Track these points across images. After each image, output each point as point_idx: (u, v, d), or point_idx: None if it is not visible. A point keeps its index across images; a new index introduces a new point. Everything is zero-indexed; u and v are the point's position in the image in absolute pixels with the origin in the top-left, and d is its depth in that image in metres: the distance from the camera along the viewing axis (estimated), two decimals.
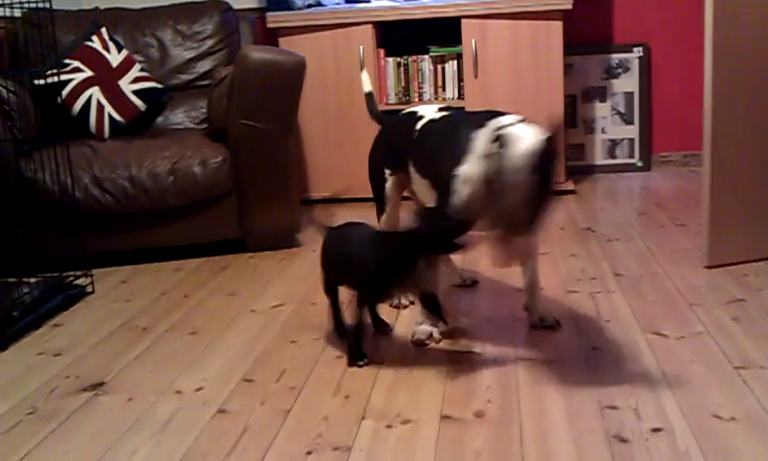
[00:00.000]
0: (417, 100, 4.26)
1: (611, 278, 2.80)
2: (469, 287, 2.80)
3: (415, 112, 2.51)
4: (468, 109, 2.41)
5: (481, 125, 2.13)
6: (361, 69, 2.96)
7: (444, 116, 2.40)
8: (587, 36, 4.61)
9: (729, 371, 2.02)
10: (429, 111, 2.47)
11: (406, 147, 2.46)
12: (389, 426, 1.86)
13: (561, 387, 2.00)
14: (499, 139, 1.93)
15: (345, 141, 4.23)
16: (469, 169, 2.11)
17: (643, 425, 1.78)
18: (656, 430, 1.76)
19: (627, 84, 4.60)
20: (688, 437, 1.72)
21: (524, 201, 1.89)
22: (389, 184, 2.58)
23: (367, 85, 2.82)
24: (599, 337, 2.29)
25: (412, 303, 2.65)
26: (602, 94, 4.62)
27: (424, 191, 2.39)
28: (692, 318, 2.38)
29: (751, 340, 2.19)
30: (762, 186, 2.79)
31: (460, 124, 2.24)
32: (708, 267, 2.80)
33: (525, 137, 1.91)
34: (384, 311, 2.61)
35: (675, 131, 4.66)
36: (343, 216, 4.02)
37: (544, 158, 1.89)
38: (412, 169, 2.43)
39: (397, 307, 2.63)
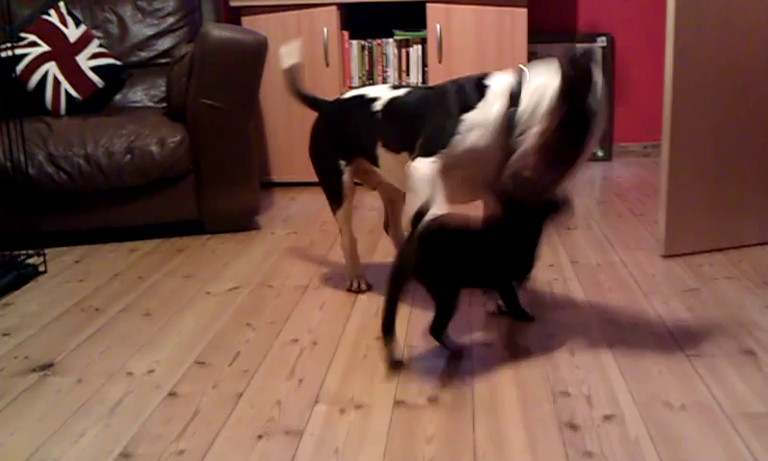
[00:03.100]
0: (381, 83, 4.22)
1: (568, 265, 2.81)
2: None
3: (363, 95, 2.42)
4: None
5: (474, 81, 2.17)
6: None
7: (408, 92, 2.33)
8: (551, 24, 4.62)
9: (681, 359, 2.04)
10: (383, 91, 2.39)
11: (367, 130, 2.38)
12: (342, 411, 1.84)
13: (514, 373, 2.00)
14: (574, 63, 1.96)
15: (307, 124, 4.14)
16: (481, 114, 2.11)
17: (595, 413, 1.79)
18: (607, 418, 1.76)
19: None
20: (639, 424, 1.73)
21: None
22: (345, 176, 2.49)
23: (288, 59, 2.63)
24: (554, 324, 2.30)
25: (369, 287, 2.63)
26: None
27: (397, 169, 2.31)
28: (647, 306, 2.40)
29: (704, 329, 2.21)
30: (719, 179, 2.82)
31: (446, 86, 2.22)
32: (665, 256, 2.83)
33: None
34: (339, 297, 2.60)
35: (636, 121, 4.69)
36: (303, 200, 4.00)
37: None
38: (382, 149, 2.35)
39: (357, 292, 2.62)
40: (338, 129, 2.49)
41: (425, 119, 2.21)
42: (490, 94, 2.13)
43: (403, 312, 2.40)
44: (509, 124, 2.08)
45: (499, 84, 2.13)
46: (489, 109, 2.11)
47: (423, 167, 2.13)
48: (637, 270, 2.73)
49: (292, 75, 2.64)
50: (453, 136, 2.12)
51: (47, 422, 1.85)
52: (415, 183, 2.14)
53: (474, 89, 2.16)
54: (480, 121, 2.11)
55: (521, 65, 2.16)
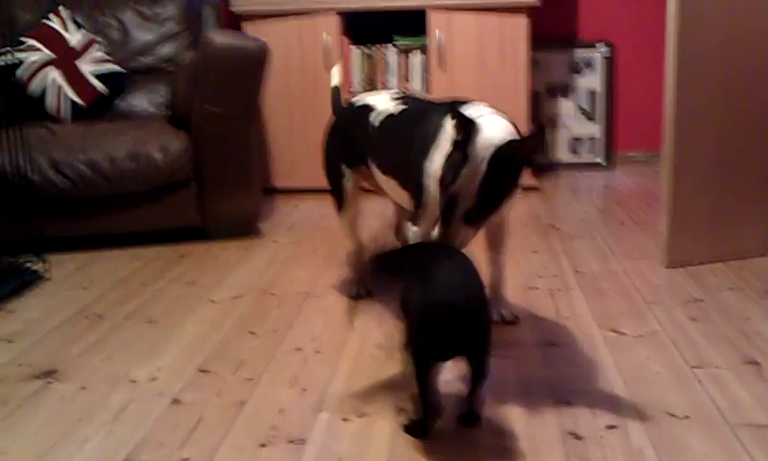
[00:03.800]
0: (382, 90, 4.23)
1: (570, 275, 2.81)
2: None
3: (367, 104, 2.43)
4: (430, 98, 2.35)
5: (440, 120, 2.08)
6: (335, 65, 2.86)
7: (402, 110, 2.31)
8: (552, 32, 4.62)
9: (684, 370, 2.04)
10: (383, 102, 2.39)
11: (364, 143, 2.39)
12: (345, 420, 1.84)
13: (517, 383, 2.00)
14: (463, 126, 1.87)
15: (309, 130, 4.20)
16: (437, 163, 2.05)
17: (598, 422, 1.79)
18: (610, 427, 1.76)
19: (591, 81, 4.63)
20: (642, 435, 1.73)
21: (478, 192, 1.85)
22: (348, 181, 2.51)
23: (335, 78, 2.73)
24: (557, 334, 2.30)
25: (370, 293, 2.63)
26: (566, 91, 4.64)
27: (393, 189, 2.33)
28: (650, 316, 2.40)
29: (707, 340, 2.21)
30: (721, 188, 2.82)
31: (424, 116, 2.17)
32: (668, 266, 2.83)
33: (493, 130, 1.88)
34: (342, 305, 2.60)
35: (638, 129, 4.70)
36: (306, 207, 4.00)
37: (509, 156, 1.86)
38: (374, 167, 2.37)
39: (359, 299, 2.62)
40: (344, 134, 2.50)
41: (405, 155, 2.19)
42: (442, 139, 2.03)
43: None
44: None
45: (449, 127, 2.01)
46: (438, 159, 2.04)
47: (415, 239, 2.18)
48: (640, 279, 2.73)
49: (337, 92, 2.70)
50: (425, 192, 2.09)
51: (51, 429, 1.85)
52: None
53: (436, 132, 2.07)
54: (434, 172, 2.05)
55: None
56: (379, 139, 2.33)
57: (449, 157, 1.91)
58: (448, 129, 2.02)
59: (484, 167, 1.84)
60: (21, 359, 2.26)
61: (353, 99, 2.54)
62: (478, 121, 1.90)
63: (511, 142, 1.88)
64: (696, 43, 2.68)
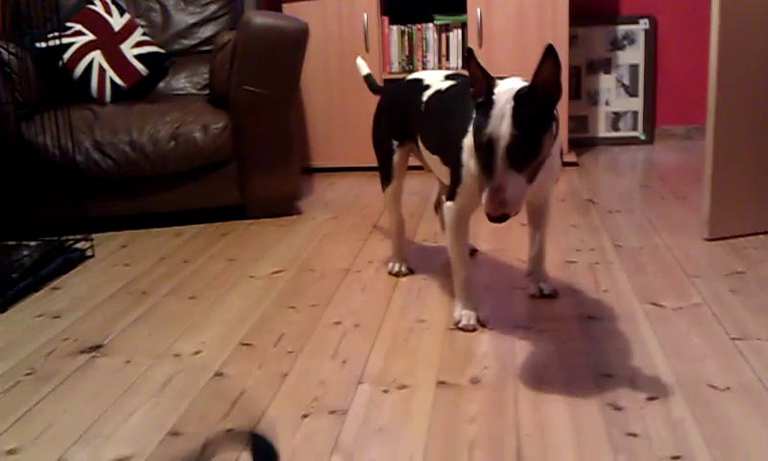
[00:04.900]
0: (420, 69, 4.23)
1: (610, 249, 2.79)
2: (470, 256, 2.79)
3: (420, 80, 2.42)
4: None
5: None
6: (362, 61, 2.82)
7: (451, 86, 2.31)
8: (593, 6, 4.57)
9: (725, 342, 2.02)
10: (435, 79, 2.38)
11: (413, 118, 2.39)
12: (385, 391, 1.86)
13: (557, 355, 2.00)
14: (484, 77, 1.85)
15: (347, 110, 4.22)
16: (471, 139, 2.01)
17: (638, 394, 1.78)
18: (651, 399, 1.76)
19: (632, 56, 4.57)
20: (683, 406, 1.72)
21: (512, 127, 1.79)
22: (396, 156, 2.50)
23: (364, 69, 2.73)
24: (597, 307, 2.29)
25: (411, 270, 2.65)
26: (607, 66, 4.59)
27: (436, 165, 2.32)
28: (691, 289, 2.38)
29: (749, 312, 2.19)
30: (764, 161, 2.78)
31: (465, 93, 2.17)
32: (709, 240, 2.80)
33: (514, 81, 1.87)
34: (381, 280, 2.62)
35: (679, 104, 4.64)
36: (343, 186, 4.02)
37: (523, 111, 1.82)
38: (421, 143, 2.37)
39: (397, 275, 2.64)
40: (394, 110, 2.50)
41: (446, 131, 2.18)
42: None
43: (441, 291, 2.42)
44: None
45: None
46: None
47: (449, 214, 2.18)
48: (681, 253, 2.70)
49: (370, 78, 2.72)
50: (461, 168, 2.07)
51: (98, 401, 1.90)
52: (446, 228, 2.22)
53: (470, 108, 2.01)
54: (469, 146, 2.01)
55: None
56: (426, 116, 2.33)
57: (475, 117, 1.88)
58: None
59: (511, 104, 1.81)
60: (68, 334, 2.32)
61: (408, 76, 2.54)
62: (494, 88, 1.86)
63: (531, 85, 1.85)
64: (739, 16, 2.63)
